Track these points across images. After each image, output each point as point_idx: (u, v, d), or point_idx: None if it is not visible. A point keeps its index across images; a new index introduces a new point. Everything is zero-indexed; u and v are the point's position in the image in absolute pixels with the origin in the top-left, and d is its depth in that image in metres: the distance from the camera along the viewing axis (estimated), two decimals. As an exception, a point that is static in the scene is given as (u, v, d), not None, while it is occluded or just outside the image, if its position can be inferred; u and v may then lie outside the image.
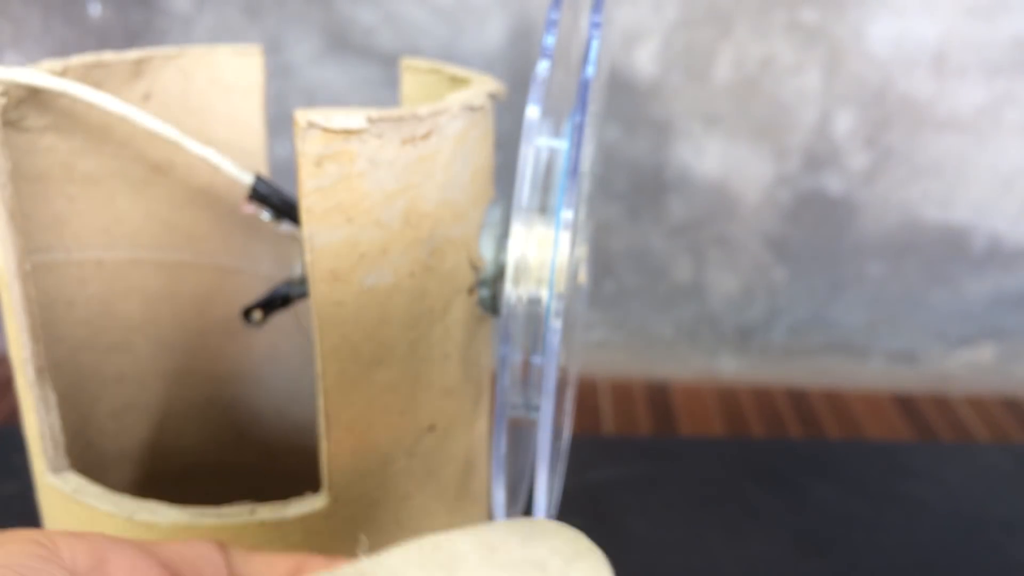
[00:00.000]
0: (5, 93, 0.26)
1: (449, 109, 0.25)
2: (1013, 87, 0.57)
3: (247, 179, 0.30)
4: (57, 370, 0.30)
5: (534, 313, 0.24)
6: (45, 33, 0.57)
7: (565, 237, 0.22)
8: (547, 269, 0.24)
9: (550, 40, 0.23)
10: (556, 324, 0.22)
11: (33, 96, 0.27)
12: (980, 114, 0.57)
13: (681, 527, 0.47)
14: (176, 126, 0.29)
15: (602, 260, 0.62)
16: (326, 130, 0.23)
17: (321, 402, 0.26)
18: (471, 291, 0.28)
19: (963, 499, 0.50)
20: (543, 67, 0.22)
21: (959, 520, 0.48)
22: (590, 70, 0.23)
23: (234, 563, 0.20)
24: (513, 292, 0.24)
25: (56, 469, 0.28)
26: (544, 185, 0.25)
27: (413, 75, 0.33)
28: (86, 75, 0.29)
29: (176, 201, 0.33)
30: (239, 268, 0.36)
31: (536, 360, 0.25)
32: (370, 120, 0.23)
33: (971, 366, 0.65)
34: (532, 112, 0.22)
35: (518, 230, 0.23)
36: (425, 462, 0.29)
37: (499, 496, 0.24)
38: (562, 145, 0.25)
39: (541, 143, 0.24)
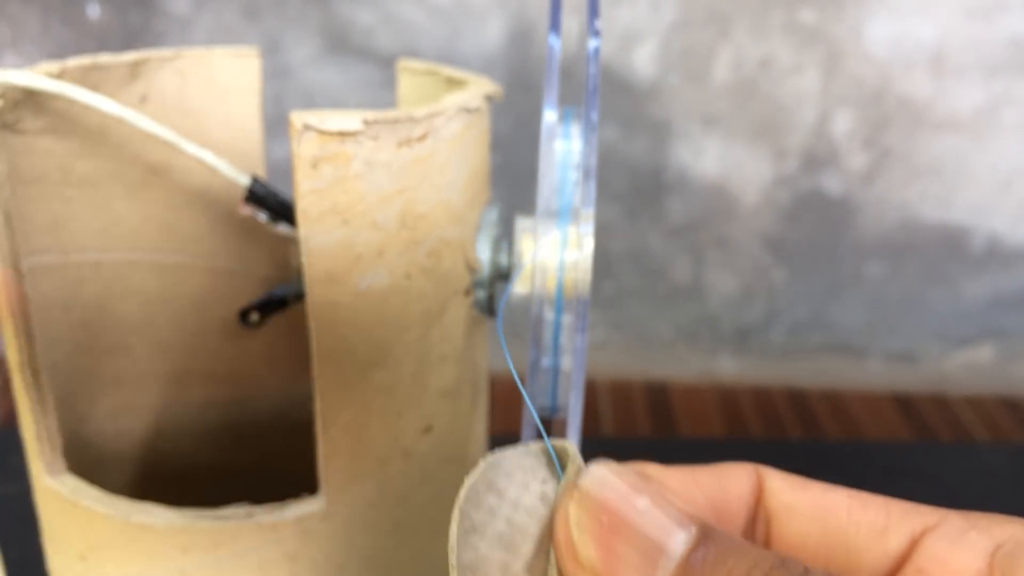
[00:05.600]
0: (2, 95, 0.26)
1: (445, 111, 0.25)
2: (1011, 87, 0.57)
3: (244, 181, 0.30)
4: (54, 372, 0.30)
5: (544, 317, 0.24)
6: (44, 34, 0.57)
7: (587, 239, 0.22)
8: (566, 271, 0.24)
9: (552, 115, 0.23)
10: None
11: (30, 98, 0.27)
12: (978, 114, 0.57)
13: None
14: (173, 128, 0.29)
15: (601, 261, 0.62)
16: (322, 132, 0.23)
17: (318, 404, 0.26)
18: (468, 292, 0.28)
19: (962, 499, 0.49)
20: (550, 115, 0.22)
21: (958, 520, 0.48)
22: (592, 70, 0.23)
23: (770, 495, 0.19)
24: (534, 298, 0.24)
25: (53, 471, 0.28)
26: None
27: (409, 77, 0.33)
28: (83, 77, 0.29)
29: (173, 203, 0.33)
30: (236, 270, 0.36)
31: (546, 363, 0.25)
32: (366, 122, 0.23)
33: (970, 366, 0.65)
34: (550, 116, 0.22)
35: (541, 236, 0.23)
36: (422, 463, 0.29)
37: None
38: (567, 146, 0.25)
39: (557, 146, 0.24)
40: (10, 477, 0.44)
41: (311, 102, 0.58)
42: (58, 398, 0.29)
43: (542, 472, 0.17)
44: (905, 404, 0.62)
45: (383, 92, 0.57)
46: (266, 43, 0.57)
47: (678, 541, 0.15)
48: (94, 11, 0.56)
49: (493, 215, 0.29)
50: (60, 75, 0.28)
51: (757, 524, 0.19)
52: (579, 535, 0.15)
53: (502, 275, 0.28)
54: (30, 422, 0.28)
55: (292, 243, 0.34)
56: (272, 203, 0.30)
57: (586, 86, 0.22)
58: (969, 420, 0.60)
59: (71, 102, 0.28)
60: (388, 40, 0.57)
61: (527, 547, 0.16)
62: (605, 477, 0.16)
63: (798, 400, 0.62)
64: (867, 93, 0.57)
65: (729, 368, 0.65)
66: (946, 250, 0.61)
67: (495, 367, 0.33)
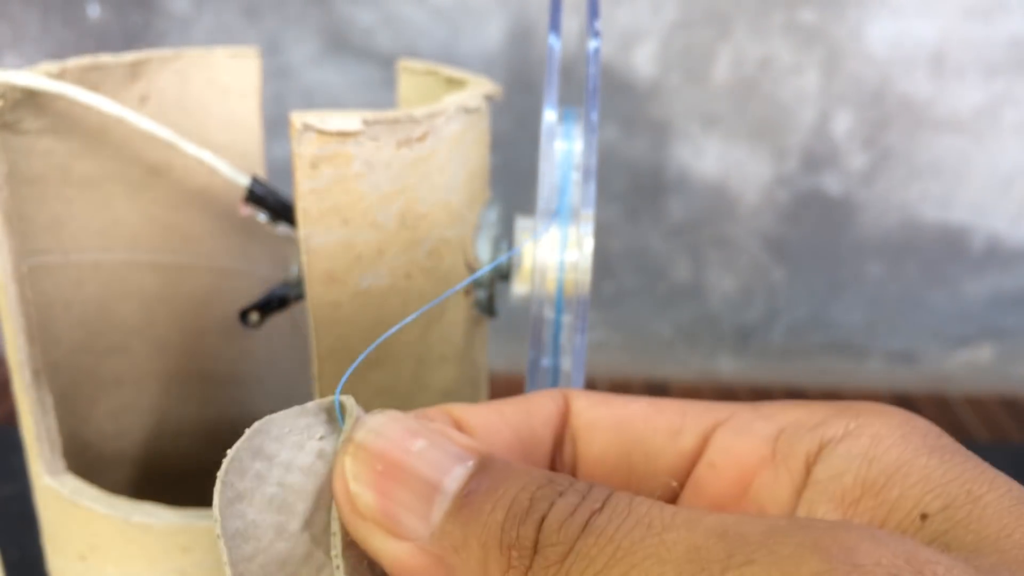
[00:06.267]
0: (2, 96, 0.26)
1: (445, 111, 0.25)
2: (1011, 87, 0.57)
3: (244, 181, 0.30)
4: (54, 372, 0.30)
5: (544, 317, 0.24)
6: (44, 35, 0.57)
7: (587, 239, 0.22)
8: (566, 271, 0.24)
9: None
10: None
11: (30, 98, 0.27)
12: (979, 114, 0.57)
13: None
14: (173, 128, 0.29)
15: (601, 260, 0.62)
16: (321, 132, 0.23)
17: (318, 404, 0.26)
18: (467, 292, 0.28)
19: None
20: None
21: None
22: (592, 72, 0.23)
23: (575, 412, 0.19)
24: (534, 298, 0.24)
25: (53, 471, 0.28)
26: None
27: (409, 77, 0.33)
28: (83, 77, 0.29)
29: (173, 203, 0.33)
30: (236, 270, 0.36)
31: (546, 363, 0.25)
32: (366, 122, 0.23)
33: (970, 366, 0.65)
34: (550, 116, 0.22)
35: (541, 236, 0.23)
36: (422, 463, 0.29)
37: None
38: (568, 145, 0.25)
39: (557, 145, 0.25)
40: (10, 477, 0.44)
41: (311, 102, 0.58)
42: (58, 398, 0.29)
43: (320, 429, 0.17)
44: (905, 404, 0.62)
45: (383, 92, 0.57)
46: (266, 43, 0.57)
47: (454, 476, 0.15)
48: (94, 11, 0.56)
49: (493, 215, 0.29)
50: (60, 75, 0.28)
51: (565, 446, 0.19)
52: (356, 486, 0.15)
53: (502, 275, 0.28)
54: (30, 422, 0.28)
55: (292, 243, 0.34)
56: (272, 203, 0.30)
57: (586, 86, 0.22)
58: (969, 420, 0.60)
59: (71, 102, 0.28)
60: (388, 40, 0.57)
61: (304, 506, 0.16)
62: (380, 425, 0.16)
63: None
64: (867, 93, 0.57)
65: (729, 368, 0.65)
66: (946, 250, 0.61)
67: (495, 367, 0.33)
